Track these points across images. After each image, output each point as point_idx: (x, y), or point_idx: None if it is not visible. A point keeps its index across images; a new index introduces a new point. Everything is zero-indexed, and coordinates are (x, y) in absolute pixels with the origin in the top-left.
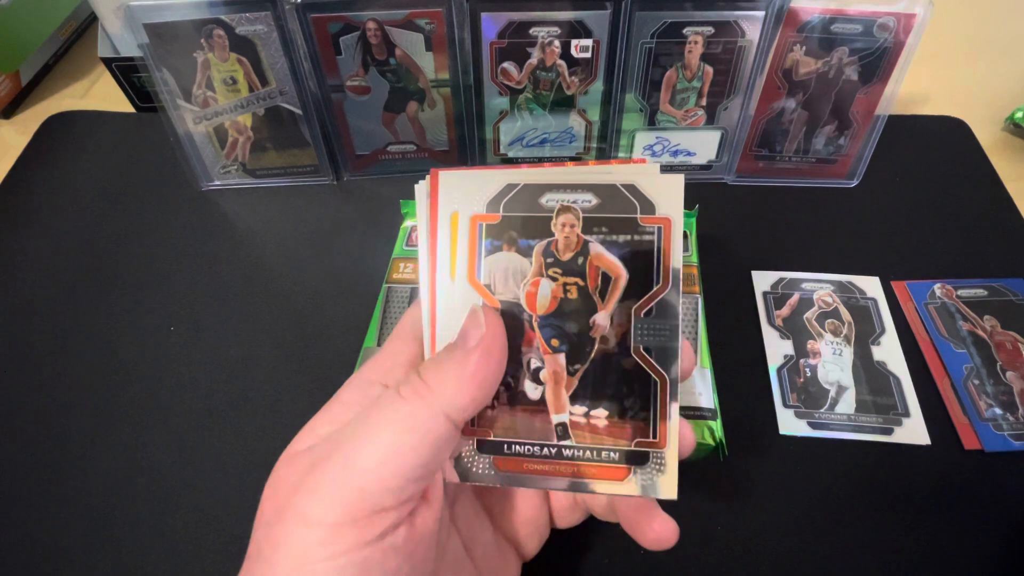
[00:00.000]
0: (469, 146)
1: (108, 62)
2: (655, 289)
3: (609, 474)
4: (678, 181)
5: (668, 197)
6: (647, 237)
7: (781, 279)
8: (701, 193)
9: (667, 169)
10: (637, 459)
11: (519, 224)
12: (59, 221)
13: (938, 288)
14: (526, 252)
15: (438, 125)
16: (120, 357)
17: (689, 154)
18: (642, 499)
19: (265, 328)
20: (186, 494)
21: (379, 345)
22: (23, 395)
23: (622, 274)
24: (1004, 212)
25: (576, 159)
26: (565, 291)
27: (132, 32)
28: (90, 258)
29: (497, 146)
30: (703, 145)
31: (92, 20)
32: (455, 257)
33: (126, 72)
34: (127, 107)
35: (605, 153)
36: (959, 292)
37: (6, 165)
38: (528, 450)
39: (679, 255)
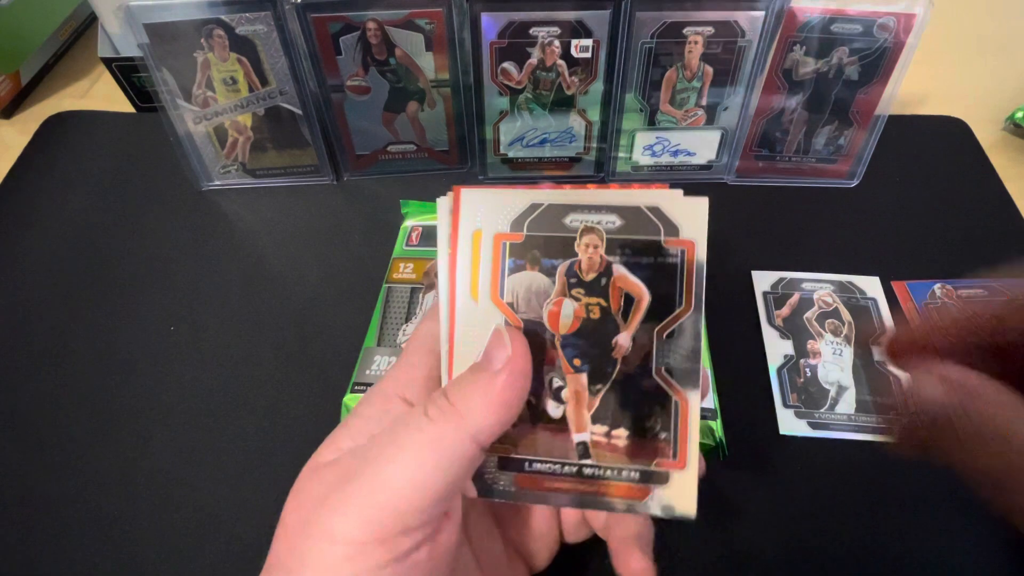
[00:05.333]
0: (469, 146)
1: (108, 62)
2: (678, 311)
3: (629, 493)
4: (702, 204)
5: (692, 220)
6: (670, 259)
7: (781, 279)
8: (701, 193)
9: (687, 188)
10: (657, 479)
11: (543, 244)
12: (59, 221)
13: (938, 288)
14: (549, 272)
15: (438, 125)
16: (120, 357)
17: (689, 154)
18: (628, 534)
19: (265, 328)
20: (186, 494)
21: (379, 345)
22: (23, 395)
23: (644, 296)
24: (1004, 212)
25: (576, 159)
26: (588, 311)
27: (132, 32)
28: (90, 258)
29: (497, 146)
30: (703, 145)
31: (92, 20)
32: (477, 275)
33: (126, 72)
34: (127, 107)
35: (605, 153)
36: (959, 292)
37: (6, 165)
38: (548, 468)
39: (703, 278)
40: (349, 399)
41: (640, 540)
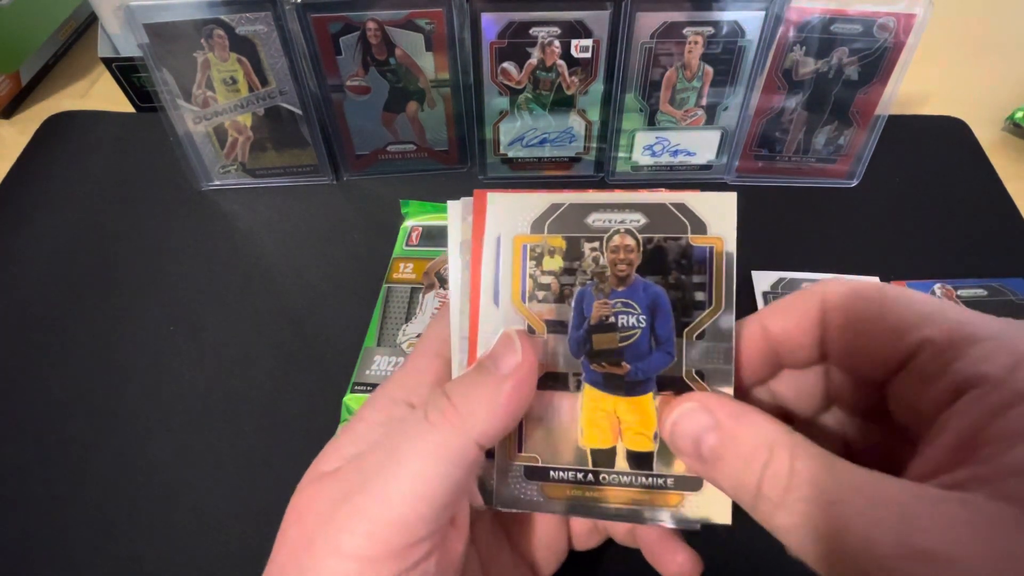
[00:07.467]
0: (469, 146)
1: (108, 62)
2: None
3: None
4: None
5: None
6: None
7: (781, 279)
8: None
9: (687, 188)
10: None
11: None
12: (59, 221)
13: (938, 288)
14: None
15: (438, 125)
16: (120, 357)
17: (689, 154)
18: (665, 530)
19: (265, 328)
20: (186, 494)
21: (379, 345)
22: (23, 395)
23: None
24: (1004, 212)
25: (576, 159)
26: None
27: (132, 32)
28: (90, 258)
29: (497, 146)
30: (703, 145)
31: (92, 20)
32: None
33: (126, 72)
34: (127, 107)
35: (605, 153)
36: (959, 292)
37: (6, 165)
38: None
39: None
40: (349, 399)
41: (675, 533)
